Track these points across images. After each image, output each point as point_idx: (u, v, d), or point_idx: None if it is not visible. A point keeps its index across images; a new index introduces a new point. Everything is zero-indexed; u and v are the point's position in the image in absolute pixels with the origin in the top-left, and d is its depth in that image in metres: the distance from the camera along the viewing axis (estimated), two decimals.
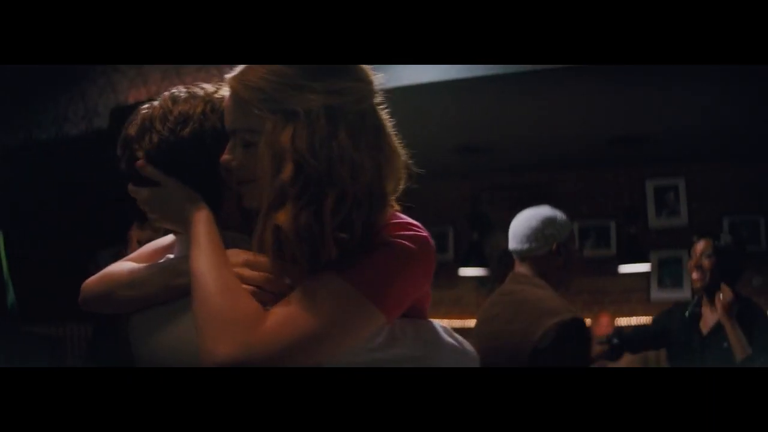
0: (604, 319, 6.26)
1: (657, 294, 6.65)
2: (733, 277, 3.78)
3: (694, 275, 3.82)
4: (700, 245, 3.84)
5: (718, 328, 3.67)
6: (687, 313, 3.89)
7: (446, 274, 7.24)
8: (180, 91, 1.51)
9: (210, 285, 1.25)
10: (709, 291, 3.78)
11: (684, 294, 6.57)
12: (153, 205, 1.49)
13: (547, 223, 2.91)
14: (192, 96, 1.49)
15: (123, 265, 1.57)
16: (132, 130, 1.48)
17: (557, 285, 2.90)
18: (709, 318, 3.78)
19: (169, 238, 1.63)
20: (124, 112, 5.19)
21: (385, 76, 1.41)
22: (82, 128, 4.89)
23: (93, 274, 4.77)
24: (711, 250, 3.78)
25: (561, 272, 2.93)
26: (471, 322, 6.66)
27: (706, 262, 3.78)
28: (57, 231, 6.60)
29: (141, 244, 4.74)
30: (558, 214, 2.95)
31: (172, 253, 1.55)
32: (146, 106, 1.51)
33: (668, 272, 6.63)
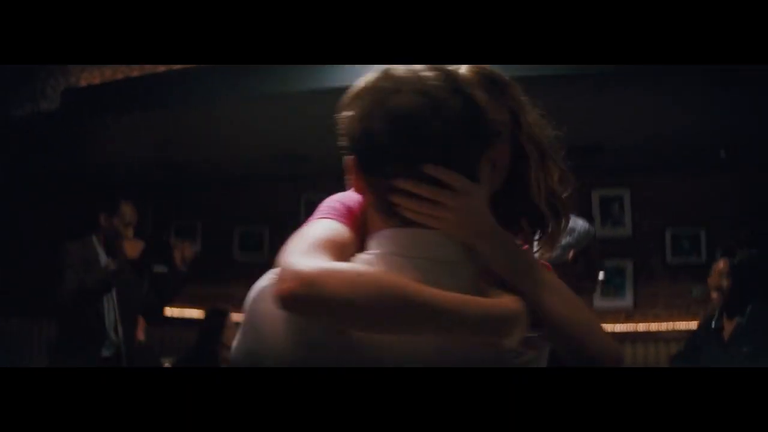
0: None
1: (599, 303, 6.73)
2: (751, 292, 3.93)
3: (714, 295, 3.98)
4: (719, 265, 3.99)
5: (736, 332, 3.86)
6: (713, 326, 4.06)
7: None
8: (448, 68, 1.29)
9: (577, 299, 1.38)
10: (729, 308, 3.97)
11: (625, 303, 6.67)
12: (463, 209, 1.25)
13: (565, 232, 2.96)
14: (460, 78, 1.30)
15: (397, 277, 1.19)
16: (413, 101, 1.23)
17: (576, 292, 2.96)
18: (728, 326, 3.96)
19: (332, 228, 1.34)
20: (76, 95, 5.03)
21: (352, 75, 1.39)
22: (28, 111, 4.75)
23: (63, 264, 4.45)
24: (728, 270, 3.91)
25: (579, 280, 2.97)
26: None
27: (724, 283, 3.92)
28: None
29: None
30: (579, 223, 2.95)
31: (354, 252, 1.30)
32: (399, 73, 1.26)
33: (611, 282, 6.71)
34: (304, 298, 1.15)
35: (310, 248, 1.23)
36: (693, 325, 5.14)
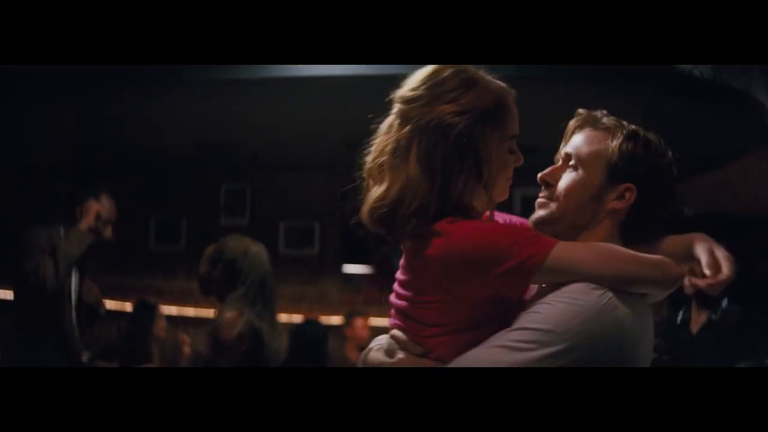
0: (360, 322, 6.46)
1: None
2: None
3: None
4: None
5: (706, 326, 3.96)
6: (679, 320, 4.13)
7: (311, 269, 7.33)
8: None
9: None
10: (701, 299, 4.04)
11: None
12: None
13: None
14: None
15: None
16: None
17: None
18: (696, 318, 4.05)
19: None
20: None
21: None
22: None
23: (29, 251, 4.03)
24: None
25: None
26: (334, 319, 6.75)
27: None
28: None
29: (101, 218, 4.27)
30: None
31: None
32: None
33: None
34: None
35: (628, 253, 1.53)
36: None
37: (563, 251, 1.48)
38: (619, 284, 1.47)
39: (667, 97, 4.63)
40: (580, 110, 1.72)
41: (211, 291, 3.43)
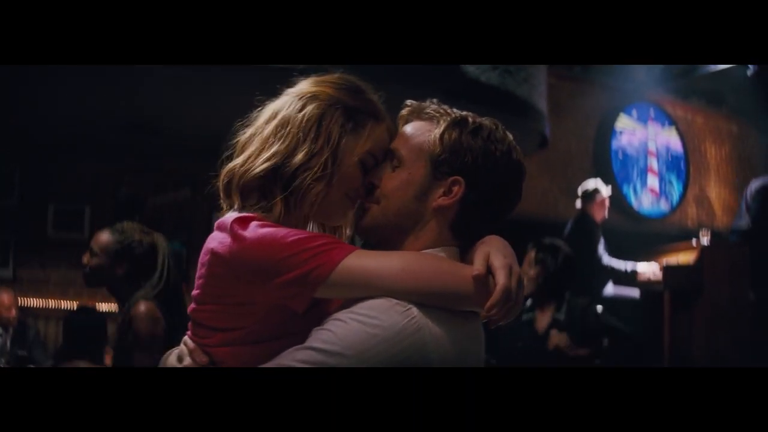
0: None
1: None
2: (561, 285, 4.10)
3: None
4: (529, 254, 4.15)
5: (552, 324, 4.01)
6: (523, 318, 4.12)
7: (81, 253, 6.89)
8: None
9: None
10: (535, 297, 4.10)
11: None
12: None
13: None
14: None
15: None
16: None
17: None
18: (541, 319, 4.09)
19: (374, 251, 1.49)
20: None
21: None
22: None
23: None
24: (534, 259, 4.12)
25: None
26: (104, 306, 6.49)
27: (531, 272, 4.07)
28: None
29: None
30: None
31: None
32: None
33: None
34: None
35: (444, 264, 1.41)
36: None
37: (358, 262, 1.34)
38: (429, 300, 1.33)
39: (452, 101, 4.76)
40: (408, 101, 1.57)
41: (104, 284, 3.08)
